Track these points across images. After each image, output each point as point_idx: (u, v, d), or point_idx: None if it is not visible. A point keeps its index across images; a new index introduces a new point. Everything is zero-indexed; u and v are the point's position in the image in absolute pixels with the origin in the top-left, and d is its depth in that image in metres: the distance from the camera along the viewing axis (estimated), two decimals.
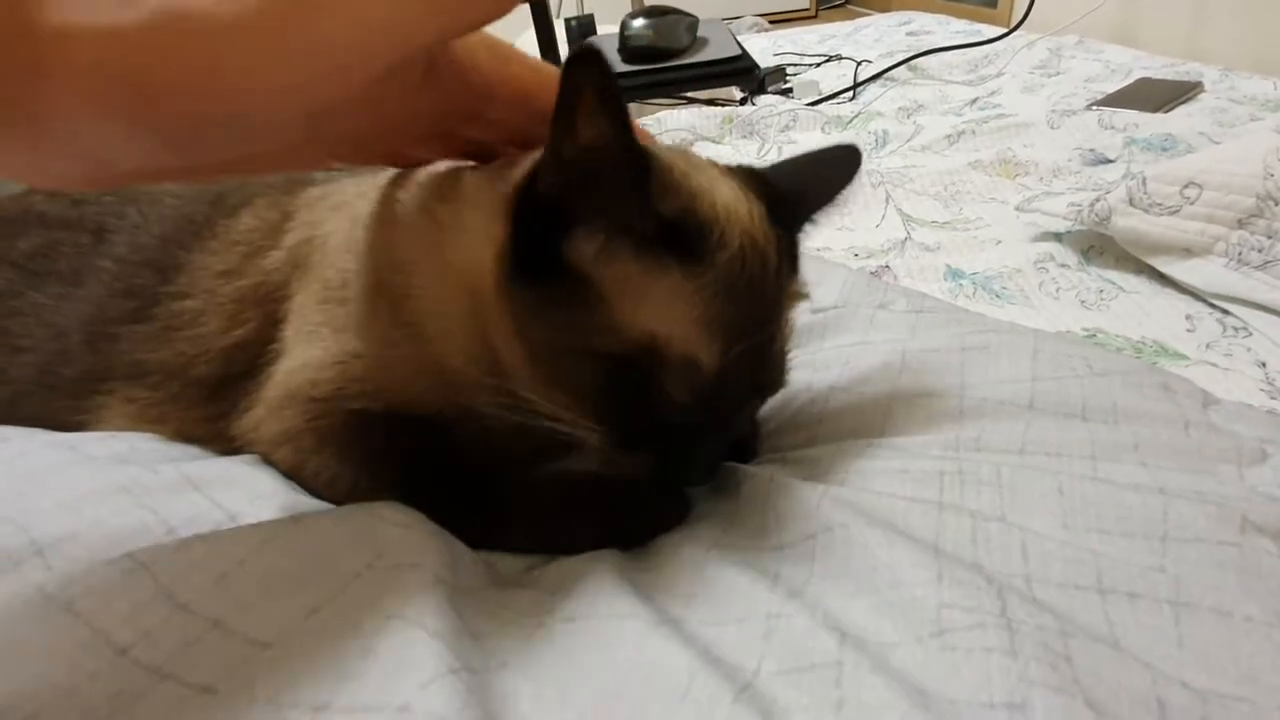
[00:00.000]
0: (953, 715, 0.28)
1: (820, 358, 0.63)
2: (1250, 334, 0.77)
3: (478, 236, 0.46)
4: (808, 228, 0.52)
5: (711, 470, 0.47)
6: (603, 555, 0.42)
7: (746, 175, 0.50)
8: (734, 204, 0.45)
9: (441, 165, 0.56)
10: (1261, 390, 0.68)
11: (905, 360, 0.58)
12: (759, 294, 0.44)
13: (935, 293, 0.86)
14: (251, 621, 0.32)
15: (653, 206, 0.41)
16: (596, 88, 0.37)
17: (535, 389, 0.44)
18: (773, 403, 0.55)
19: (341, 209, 0.55)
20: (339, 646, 0.31)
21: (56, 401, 0.55)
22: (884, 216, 1.07)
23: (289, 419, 0.50)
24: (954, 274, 0.91)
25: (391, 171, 0.58)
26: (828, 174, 0.53)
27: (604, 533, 0.44)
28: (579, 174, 0.40)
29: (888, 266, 0.93)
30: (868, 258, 0.97)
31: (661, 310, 0.41)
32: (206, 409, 0.53)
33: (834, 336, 0.65)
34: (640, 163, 0.40)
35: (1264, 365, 0.72)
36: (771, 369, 0.48)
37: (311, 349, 0.51)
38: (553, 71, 0.43)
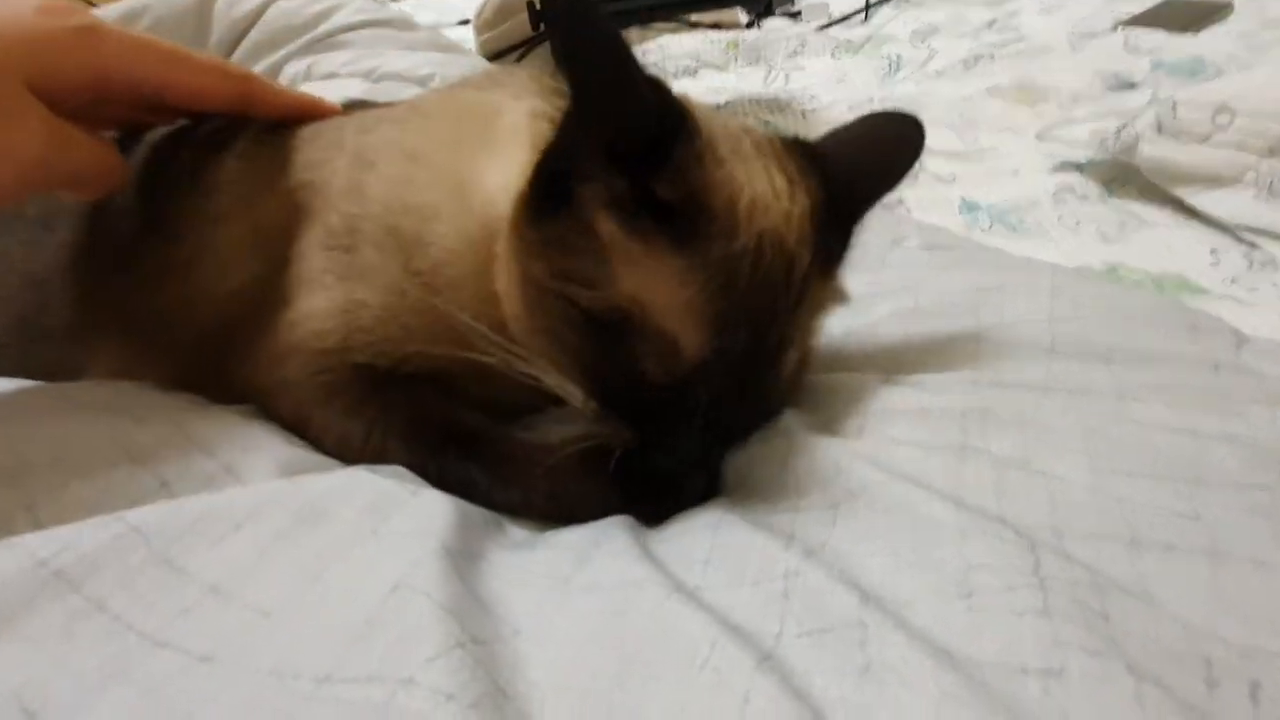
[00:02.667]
0: (981, 680, 0.27)
1: None
2: (1277, 267, 0.74)
3: (509, 184, 0.44)
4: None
5: (696, 464, 0.43)
6: (616, 519, 0.40)
7: (808, 163, 0.46)
8: (765, 201, 0.42)
9: (467, 94, 0.54)
10: None
11: (919, 303, 0.56)
12: (769, 297, 0.42)
13: (950, 226, 0.83)
14: (251, 588, 0.31)
15: (652, 181, 0.40)
16: (587, 38, 0.37)
17: (528, 340, 0.43)
18: None
19: (341, 147, 0.52)
20: (342, 615, 0.29)
21: (41, 353, 0.53)
22: None
23: (292, 371, 0.48)
24: (969, 206, 0.88)
25: (401, 104, 0.55)
26: (889, 154, 0.50)
27: (624, 504, 0.42)
28: (595, 127, 0.40)
29: (901, 200, 0.90)
30: (860, 233, 0.93)
31: (647, 280, 0.40)
32: (203, 356, 0.51)
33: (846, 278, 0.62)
34: (665, 130, 0.40)
35: None
36: (771, 379, 0.44)
37: (315, 298, 0.48)
38: (218, 66, 0.53)
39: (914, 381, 0.48)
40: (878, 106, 1.10)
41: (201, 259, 0.52)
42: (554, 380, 0.43)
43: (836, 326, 0.58)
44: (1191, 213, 0.82)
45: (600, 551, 0.36)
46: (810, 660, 0.28)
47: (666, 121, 0.40)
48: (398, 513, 0.36)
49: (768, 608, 0.30)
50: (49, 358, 0.53)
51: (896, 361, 0.51)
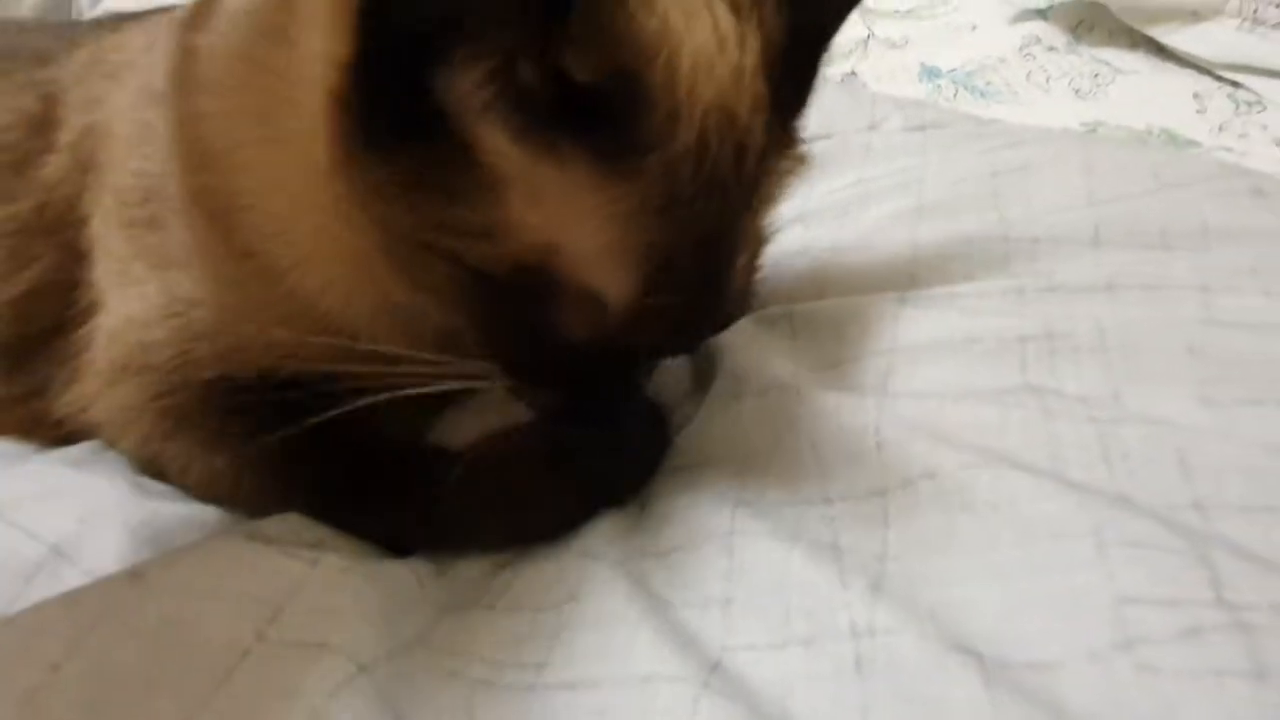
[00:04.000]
0: None
1: (811, 209, 0.50)
2: (1264, 108, 0.68)
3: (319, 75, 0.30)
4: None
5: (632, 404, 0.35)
6: (594, 541, 0.30)
7: None
8: (709, 58, 0.28)
9: None
10: None
11: (923, 200, 0.46)
12: (718, 201, 0.30)
13: (911, 97, 0.73)
14: None
15: (558, 52, 0.25)
16: None
17: (405, 300, 0.32)
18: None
19: (123, 76, 0.38)
20: None
21: None
22: None
23: (126, 396, 0.37)
24: (930, 73, 0.78)
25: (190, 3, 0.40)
26: None
27: (585, 495, 0.33)
28: None
29: (854, 73, 0.79)
30: (826, 66, 0.82)
31: (561, 218, 0.27)
32: (8, 387, 0.40)
33: (823, 179, 0.51)
34: None
35: None
36: (722, 297, 0.33)
37: (129, 298, 0.36)
38: None
39: (940, 299, 0.39)
40: None
41: None
42: (449, 373, 0.32)
43: (818, 240, 0.48)
44: (1167, 55, 0.74)
45: (583, 608, 0.26)
46: None
47: None
48: (290, 605, 0.25)
49: (840, 695, 0.21)
50: None
51: (909, 276, 0.42)
